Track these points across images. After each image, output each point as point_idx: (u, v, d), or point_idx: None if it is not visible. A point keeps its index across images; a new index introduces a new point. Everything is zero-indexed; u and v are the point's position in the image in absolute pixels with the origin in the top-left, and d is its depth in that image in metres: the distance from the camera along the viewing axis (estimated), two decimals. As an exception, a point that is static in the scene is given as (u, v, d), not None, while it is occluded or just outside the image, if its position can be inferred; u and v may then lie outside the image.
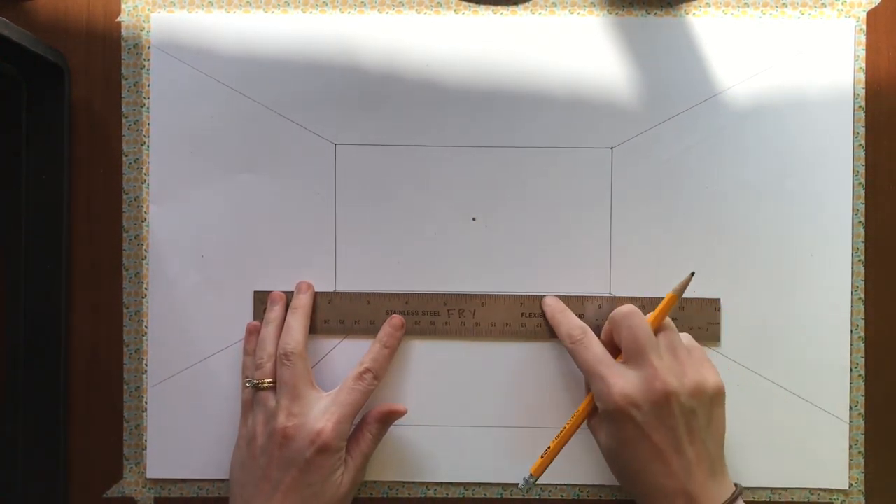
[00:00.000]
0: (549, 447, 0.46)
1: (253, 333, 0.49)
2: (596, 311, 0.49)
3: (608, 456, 0.45)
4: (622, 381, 0.42)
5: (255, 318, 0.50)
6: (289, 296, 0.49)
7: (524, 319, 0.49)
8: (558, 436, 0.46)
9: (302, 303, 0.48)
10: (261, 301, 0.49)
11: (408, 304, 0.49)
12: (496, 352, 0.50)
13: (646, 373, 0.42)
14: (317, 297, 0.49)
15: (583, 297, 0.49)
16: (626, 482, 0.44)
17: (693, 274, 0.45)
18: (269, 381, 0.46)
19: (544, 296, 0.49)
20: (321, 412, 0.45)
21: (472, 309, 0.49)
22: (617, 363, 0.44)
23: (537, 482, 0.46)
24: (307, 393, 0.46)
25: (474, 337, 0.50)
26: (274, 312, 0.48)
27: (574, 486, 0.50)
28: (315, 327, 0.49)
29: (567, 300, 0.49)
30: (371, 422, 0.48)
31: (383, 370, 0.48)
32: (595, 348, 0.44)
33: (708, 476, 0.42)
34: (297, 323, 0.47)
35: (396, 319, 0.49)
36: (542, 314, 0.49)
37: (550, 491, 0.50)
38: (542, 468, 0.46)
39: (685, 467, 0.42)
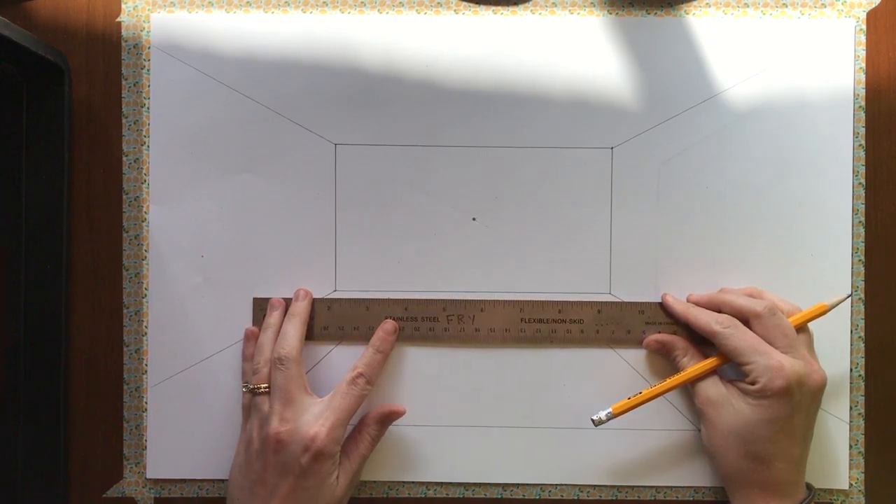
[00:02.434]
0: (640, 392, 0.47)
1: (251, 339, 0.49)
2: (595, 315, 0.49)
3: (735, 429, 0.45)
4: (790, 361, 0.44)
5: (254, 324, 0.49)
6: (288, 302, 0.49)
7: (523, 325, 0.49)
8: (655, 386, 0.47)
9: (299, 310, 0.48)
10: (260, 308, 0.49)
11: (407, 309, 0.49)
12: (496, 357, 0.50)
13: (804, 362, 0.45)
14: (315, 303, 0.49)
15: (581, 302, 0.49)
16: (744, 461, 0.45)
17: (850, 296, 0.49)
18: (264, 385, 0.46)
19: (545, 301, 0.49)
20: (315, 417, 0.45)
21: (472, 315, 0.49)
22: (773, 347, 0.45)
23: (606, 422, 0.46)
24: (300, 398, 0.46)
25: (474, 343, 0.50)
26: (272, 318, 0.48)
27: (574, 486, 0.50)
28: (314, 333, 0.49)
29: (566, 304, 0.49)
30: (370, 423, 0.48)
31: (376, 375, 0.48)
32: (750, 332, 0.45)
33: (804, 469, 0.46)
34: (294, 329, 0.47)
35: (389, 324, 0.49)
36: (667, 313, 0.49)
37: (550, 491, 0.50)
38: (625, 410, 0.46)
39: (803, 457, 0.45)
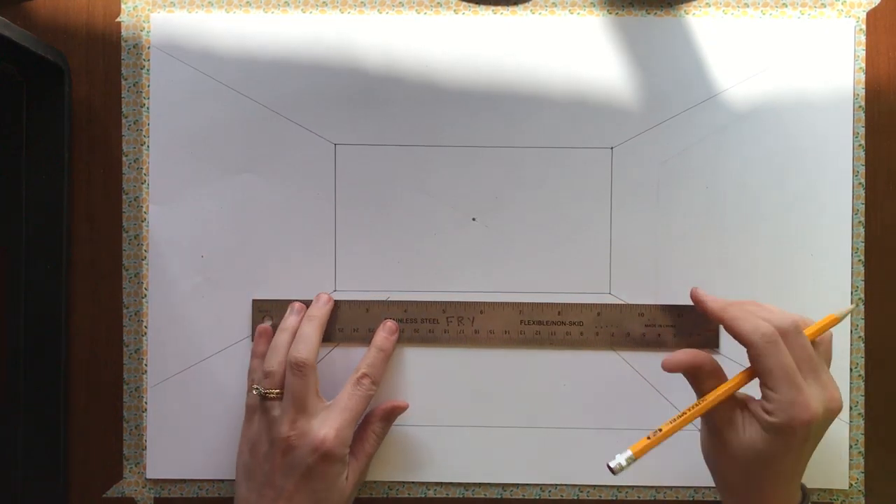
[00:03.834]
0: (659, 429, 0.42)
1: (263, 336, 0.48)
2: (595, 317, 0.49)
3: (740, 453, 0.42)
4: (816, 398, 0.41)
5: (253, 325, 0.49)
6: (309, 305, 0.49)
7: (523, 327, 0.49)
8: (676, 421, 0.42)
9: (320, 312, 0.48)
10: (259, 310, 0.49)
11: (406, 311, 0.49)
12: (496, 357, 0.50)
13: (824, 390, 0.42)
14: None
15: (580, 304, 0.49)
16: (741, 478, 0.42)
17: (857, 306, 0.48)
18: (276, 391, 0.45)
19: (545, 303, 0.49)
20: (322, 420, 0.45)
21: (471, 316, 0.49)
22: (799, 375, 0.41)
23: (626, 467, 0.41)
24: (313, 404, 0.45)
25: (474, 344, 0.50)
26: (290, 321, 0.48)
27: (574, 486, 0.50)
28: None
29: (566, 306, 0.49)
30: (375, 420, 0.48)
31: (380, 375, 0.48)
32: (789, 356, 0.41)
33: (800, 479, 0.44)
34: (313, 332, 0.47)
35: (391, 324, 0.49)
36: (699, 308, 0.45)
37: (550, 491, 0.50)
38: (645, 450, 0.41)
39: (802, 472, 0.43)
